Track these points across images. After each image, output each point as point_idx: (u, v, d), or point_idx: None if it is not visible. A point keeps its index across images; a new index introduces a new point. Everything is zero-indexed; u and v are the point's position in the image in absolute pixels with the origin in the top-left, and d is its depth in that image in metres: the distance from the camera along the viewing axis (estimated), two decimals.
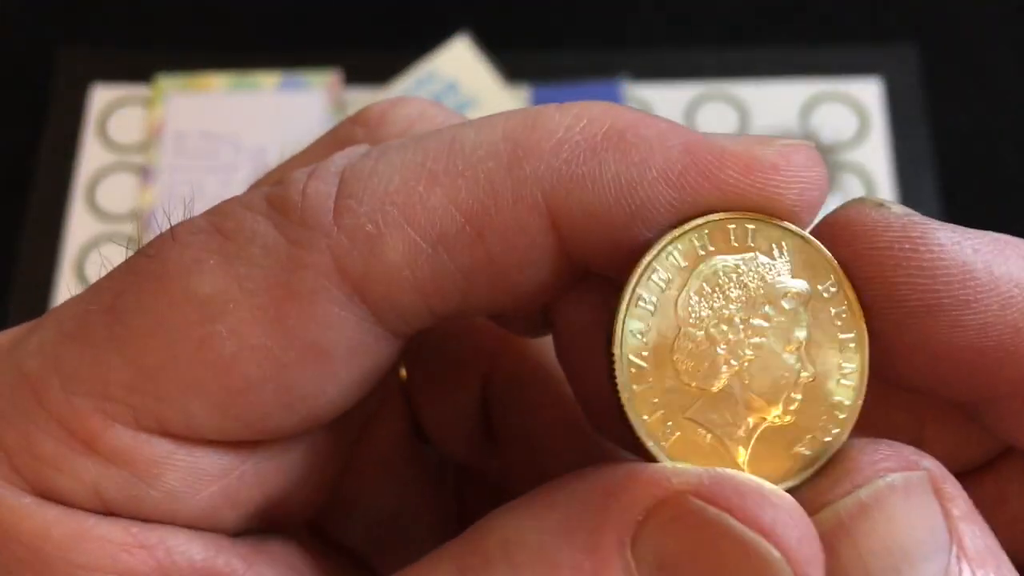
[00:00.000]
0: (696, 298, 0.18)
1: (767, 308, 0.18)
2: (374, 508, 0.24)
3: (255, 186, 0.22)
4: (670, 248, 0.18)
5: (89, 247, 0.65)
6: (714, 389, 0.18)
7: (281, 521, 0.21)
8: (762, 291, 0.18)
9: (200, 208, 0.19)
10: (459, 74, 0.68)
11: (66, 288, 0.63)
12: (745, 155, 0.18)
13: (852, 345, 0.18)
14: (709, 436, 0.18)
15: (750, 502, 0.16)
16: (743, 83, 0.68)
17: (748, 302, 0.18)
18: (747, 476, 0.16)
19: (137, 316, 0.18)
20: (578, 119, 0.18)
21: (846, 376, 0.18)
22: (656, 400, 0.18)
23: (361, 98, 0.67)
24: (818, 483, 0.18)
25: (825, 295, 0.19)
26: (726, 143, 0.18)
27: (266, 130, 0.67)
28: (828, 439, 0.18)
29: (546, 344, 0.23)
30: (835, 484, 0.17)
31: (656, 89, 0.68)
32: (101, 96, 0.69)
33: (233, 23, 0.72)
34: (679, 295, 0.18)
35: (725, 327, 0.18)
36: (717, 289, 0.18)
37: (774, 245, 0.18)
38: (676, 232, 0.18)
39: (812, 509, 0.17)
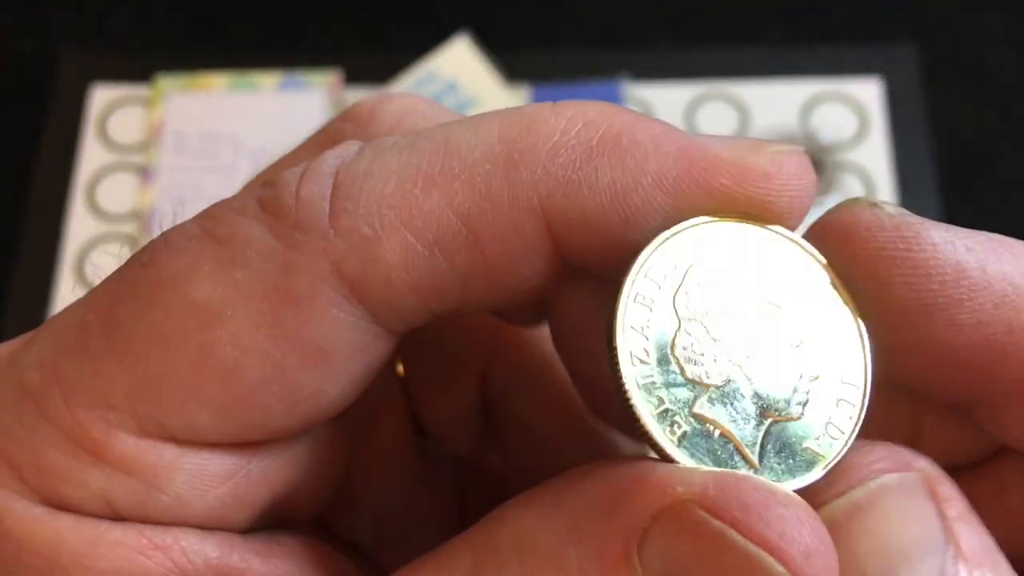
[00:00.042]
0: (694, 295, 0.18)
1: (764, 307, 0.18)
2: (378, 504, 0.24)
3: (247, 188, 0.22)
4: (666, 246, 0.18)
5: (89, 247, 0.65)
6: (718, 385, 0.18)
7: (289, 518, 0.21)
8: (758, 291, 0.18)
9: (197, 209, 0.19)
10: (459, 74, 0.68)
11: (66, 288, 0.63)
12: (738, 163, 0.18)
13: (852, 344, 0.19)
14: (716, 431, 0.18)
15: (754, 515, 0.16)
16: (743, 83, 0.68)
17: (745, 301, 0.18)
18: (755, 482, 0.16)
19: (135, 325, 0.18)
20: (573, 122, 0.18)
21: (849, 375, 0.18)
22: (661, 395, 0.18)
23: (361, 98, 0.67)
24: (813, 484, 0.18)
25: (820, 296, 0.19)
26: (720, 150, 0.18)
27: (266, 130, 0.67)
28: (836, 438, 0.18)
29: (543, 334, 0.24)
30: (829, 485, 0.17)
31: (656, 89, 0.68)
32: (101, 96, 0.69)
33: (233, 23, 0.72)
34: (676, 292, 0.18)
35: (724, 324, 0.18)
36: (714, 287, 0.18)
37: (766, 247, 0.19)
38: (671, 231, 0.18)
39: None
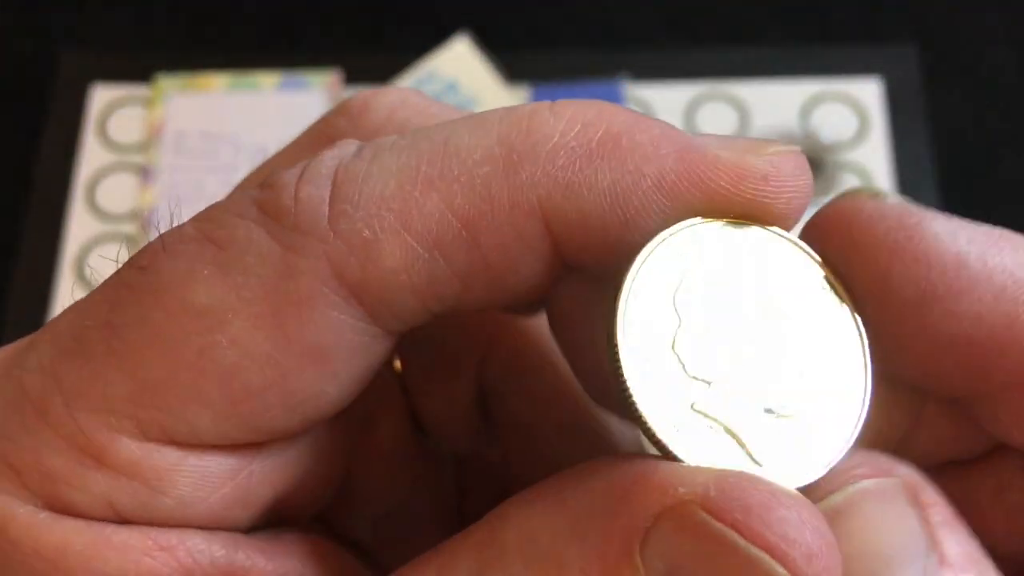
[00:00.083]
0: (694, 294, 0.18)
1: (763, 306, 0.18)
2: (378, 501, 0.24)
3: (241, 187, 0.22)
4: (665, 246, 0.18)
5: (89, 247, 0.65)
6: (720, 382, 0.18)
7: (291, 516, 0.21)
8: (757, 290, 0.19)
9: (197, 209, 0.19)
10: (459, 74, 0.68)
11: (66, 288, 0.63)
12: (737, 165, 0.18)
13: (851, 343, 0.19)
14: (719, 429, 0.18)
15: (754, 517, 0.16)
16: (743, 83, 0.68)
17: (744, 299, 0.18)
18: (757, 482, 0.16)
19: (135, 330, 0.18)
20: (572, 123, 0.18)
21: (849, 373, 0.18)
22: (663, 393, 0.18)
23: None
24: (816, 481, 0.18)
25: (818, 295, 0.19)
26: (719, 151, 0.18)
27: (266, 130, 0.67)
28: (838, 435, 0.18)
29: (540, 326, 0.24)
30: (808, 491, 0.17)
31: (656, 89, 0.68)
32: (101, 96, 0.69)
33: (233, 23, 0.72)
34: (676, 291, 0.18)
35: (725, 322, 0.18)
36: (714, 286, 0.18)
37: (765, 247, 0.19)
38: (670, 231, 0.18)
39: None
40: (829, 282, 0.19)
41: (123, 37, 0.72)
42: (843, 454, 0.18)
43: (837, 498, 0.17)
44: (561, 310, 0.21)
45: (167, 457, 0.18)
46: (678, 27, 0.71)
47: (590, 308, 0.20)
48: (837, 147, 0.66)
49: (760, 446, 0.18)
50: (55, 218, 0.65)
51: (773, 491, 0.16)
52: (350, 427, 0.22)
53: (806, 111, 0.67)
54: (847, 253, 0.19)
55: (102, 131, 0.68)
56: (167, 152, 0.67)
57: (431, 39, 0.69)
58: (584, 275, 0.20)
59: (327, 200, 0.18)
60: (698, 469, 0.17)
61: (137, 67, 0.69)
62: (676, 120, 0.67)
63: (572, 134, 0.18)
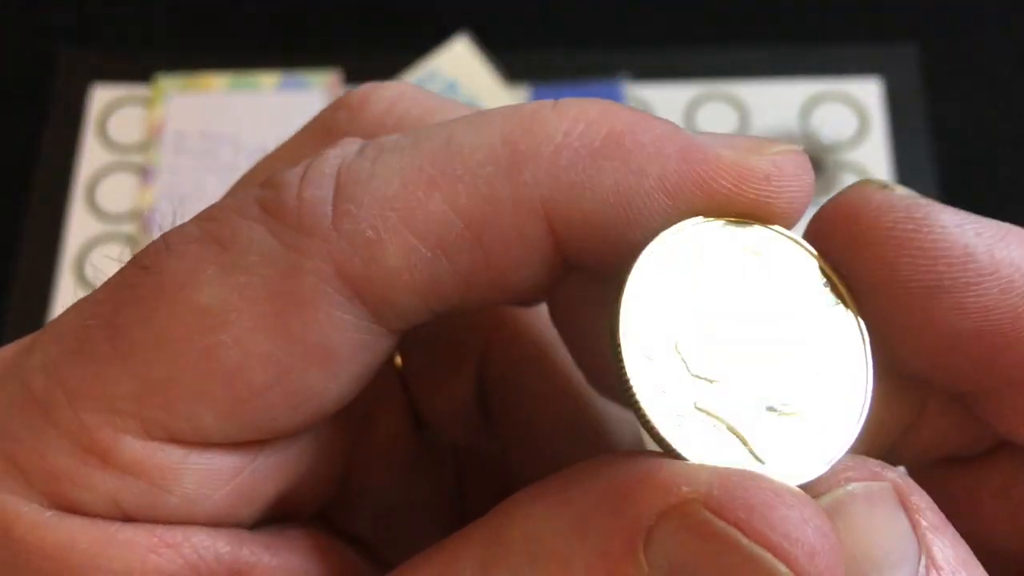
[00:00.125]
0: (696, 293, 0.18)
1: (765, 304, 0.19)
2: (378, 496, 0.24)
3: (242, 184, 0.22)
4: (668, 245, 0.18)
5: (89, 247, 0.65)
6: (723, 381, 0.18)
7: (293, 512, 0.21)
8: (759, 288, 0.19)
9: (198, 209, 0.19)
10: (459, 74, 0.68)
11: (66, 288, 0.63)
12: (739, 165, 0.18)
13: (853, 341, 0.19)
14: (722, 427, 0.18)
15: (757, 516, 0.16)
16: (743, 83, 0.68)
17: (746, 298, 0.18)
18: (759, 481, 0.16)
19: (138, 329, 0.18)
20: (575, 123, 0.18)
21: (851, 371, 0.18)
22: (666, 392, 0.18)
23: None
24: (819, 478, 0.18)
25: (820, 294, 0.19)
26: (722, 150, 0.18)
27: (266, 130, 0.67)
28: (840, 433, 0.18)
29: (540, 320, 0.24)
30: (805, 490, 0.17)
31: (656, 89, 0.68)
32: (101, 96, 0.69)
33: (233, 23, 0.72)
34: (679, 290, 0.18)
35: (727, 321, 0.18)
36: (716, 285, 0.18)
37: (767, 246, 0.19)
38: (672, 230, 0.18)
39: None
40: (830, 280, 0.19)
41: (123, 37, 0.72)
42: (845, 451, 0.18)
43: (824, 501, 0.17)
44: (563, 305, 0.21)
45: (171, 455, 0.18)
46: (678, 27, 0.71)
47: (592, 303, 0.20)
48: (837, 147, 0.66)
49: (763, 444, 0.18)
50: (55, 218, 0.65)
51: (776, 490, 0.16)
52: (351, 423, 0.22)
53: (806, 111, 0.67)
54: (855, 244, 0.19)
55: (102, 131, 0.68)
56: (167, 152, 0.67)
57: (431, 39, 0.69)
58: (586, 272, 0.20)
59: (330, 200, 0.18)
60: (701, 467, 0.17)
61: (137, 67, 0.69)
62: (676, 120, 0.67)
63: (575, 133, 0.18)
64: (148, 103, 0.68)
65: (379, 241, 0.18)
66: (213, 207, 0.19)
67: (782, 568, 0.15)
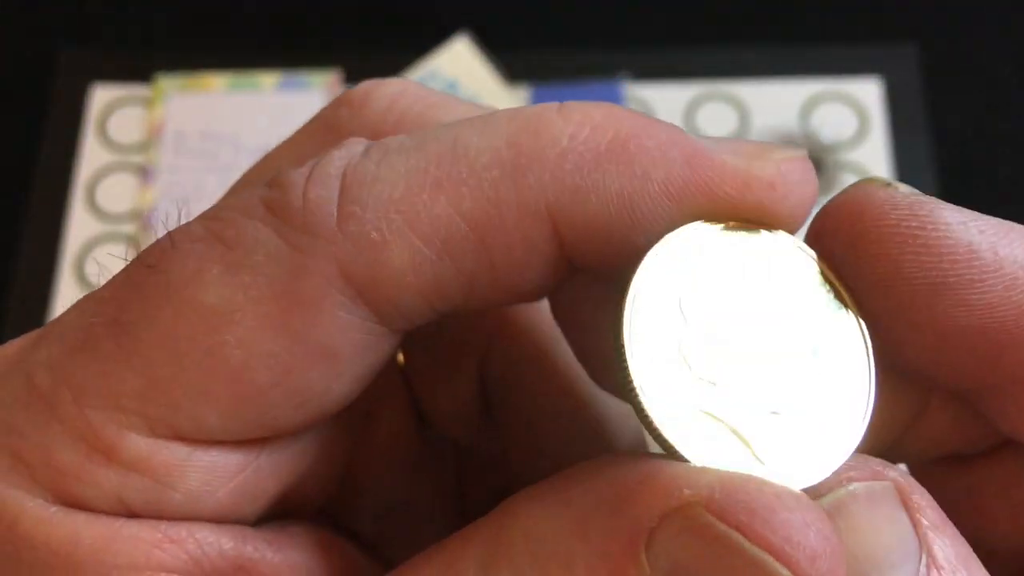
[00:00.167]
0: (699, 295, 0.18)
1: (768, 307, 0.19)
2: (380, 493, 0.24)
3: (245, 183, 0.23)
4: (671, 247, 0.18)
5: (89, 247, 0.65)
6: (726, 383, 0.18)
7: (296, 509, 0.21)
8: (762, 292, 0.19)
9: (198, 209, 0.19)
10: (459, 74, 0.68)
11: (66, 288, 0.63)
12: (744, 172, 0.18)
13: (856, 345, 0.19)
14: (725, 429, 0.18)
15: (758, 519, 0.16)
16: (743, 83, 0.68)
17: (749, 301, 0.18)
18: (761, 484, 0.16)
19: (143, 328, 0.18)
20: (581, 127, 0.18)
21: (854, 374, 0.19)
22: (670, 394, 0.18)
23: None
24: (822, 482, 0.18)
25: (822, 298, 0.19)
26: (727, 156, 0.18)
27: (266, 130, 0.67)
28: (844, 436, 0.18)
29: (542, 318, 0.24)
30: (807, 493, 0.18)
31: (656, 89, 0.68)
32: (101, 96, 0.69)
33: (233, 23, 0.72)
34: (682, 292, 0.18)
35: (730, 324, 0.18)
36: (719, 288, 0.18)
37: (770, 249, 0.19)
38: (676, 233, 0.18)
39: None
40: (832, 284, 0.19)
41: (123, 37, 0.72)
42: (849, 455, 0.18)
43: (826, 501, 0.17)
44: (566, 302, 0.21)
45: (175, 453, 0.18)
46: (678, 27, 0.71)
47: (594, 301, 0.20)
48: (837, 147, 0.66)
49: (765, 447, 0.18)
50: (55, 218, 0.65)
51: (778, 493, 0.16)
52: (353, 421, 0.22)
53: (806, 111, 0.67)
54: (859, 241, 0.19)
55: (102, 131, 0.68)
56: (167, 152, 0.67)
57: (431, 39, 0.69)
58: (589, 273, 0.20)
59: (336, 201, 0.18)
60: (704, 470, 0.17)
61: (137, 67, 0.69)
62: (676, 120, 0.67)
63: (580, 138, 0.18)
64: (148, 103, 0.68)
65: (384, 243, 0.18)
66: (218, 206, 0.19)
67: (783, 571, 0.15)
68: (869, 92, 0.67)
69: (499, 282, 0.19)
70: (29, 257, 0.65)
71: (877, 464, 0.18)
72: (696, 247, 0.19)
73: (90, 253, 0.64)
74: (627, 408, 0.19)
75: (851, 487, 0.18)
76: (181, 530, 0.19)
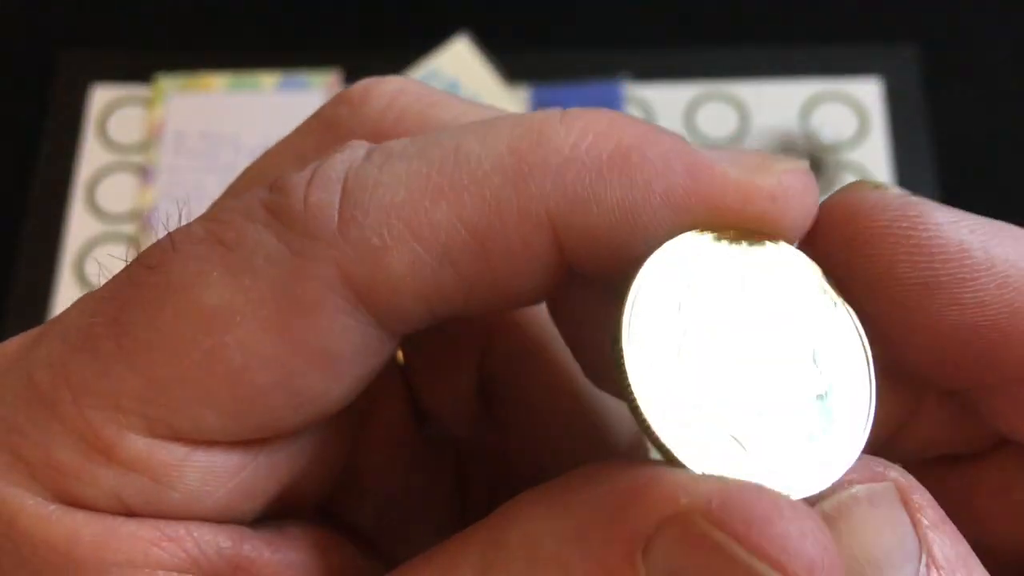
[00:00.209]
0: (699, 301, 0.18)
1: (767, 314, 0.19)
2: (379, 490, 0.24)
3: (243, 180, 0.23)
4: (671, 254, 0.18)
5: (89, 247, 0.65)
6: (725, 389, 0.18)
7: (294, 507, 0.22)
8: (760, 298, 0.19)
9: (198, 209, 0.19)
10: (459, 74, 0.68)
11: (66, 288, 0.63)
12: (745, 184, 0.18)
13: (855, 350, 0.19)
14: (724, 435, 0.18)
15: (756, 529, 0.16)
16: (743, 83, 0.68)
17: (748, 307, 0.18)
18: (760, 493, 0.16)
19: (143, 329, 0.18)
20: (583, 135, 0.18)
21: (853, 381, 0.19)
22: (668, 400, 0.18)
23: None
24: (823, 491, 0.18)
25: (820, 304, 0.19)
26: (728, 168, 0.18)
27: (266, 130, 0.67)
28: (845, 443, 0.18)
29: (541, 315, 0.24)
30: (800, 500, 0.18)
31: (656, 89, 0.68)
32: (101, 96, 0.69)
33: (233, 23, 0.72)
34: (681, 298, 0.18)
35: (730, 330, 0.18)
36: (718, 294, 0.18)
37: (769, 257, 0.19)
38: (676, 240, 0.18)
39: None
40: (831, 290, 0.19)
41: (123, 37, 0.72)
42: (850, 464, 0.18)
43: (827, 504, 0.17)
44: (564, 305, 0.21)
45: (174, 453, 0.18)
46: (678, 27, 0.71)
47: (593, 303, 0.20)
48: (837, 147, 0.66)
49: (764, 453, 0.18)
50: (55, 218, 0.65)
51: (775, 501, 0.16)
52: (352, 418, 0.22)
53: (806, 111, 0.67)
54: (852, 243, 0.19)
55: (102, 131, 0.68)
56: (167, 152, 0.67)
57: (431, 39, 0.69)
58: (588, 279, 0.20)
59: (337, 205, 0.18)
60: (702, 478, 0.17)
61: (137, 67, 0.69)
62: (676, 120, 0.67)
63: (583, 146, 0.18)
64: (148, 103, 0.68)
65: (384, 248, 0.18)
66: (219, 208, 0.19)
67: None
68: (869, 92, 0.67)
69: (499, 288, 0.19)
70: (29, 257, 0.65)
71: (877, 464, 0.18)
72: (696, 254, 0.19)
73: (90, 253, 0.64)
74: (626, 406, 0.19)
75: (853, 490, 0.18)
76: (179, 529, 0.19)
